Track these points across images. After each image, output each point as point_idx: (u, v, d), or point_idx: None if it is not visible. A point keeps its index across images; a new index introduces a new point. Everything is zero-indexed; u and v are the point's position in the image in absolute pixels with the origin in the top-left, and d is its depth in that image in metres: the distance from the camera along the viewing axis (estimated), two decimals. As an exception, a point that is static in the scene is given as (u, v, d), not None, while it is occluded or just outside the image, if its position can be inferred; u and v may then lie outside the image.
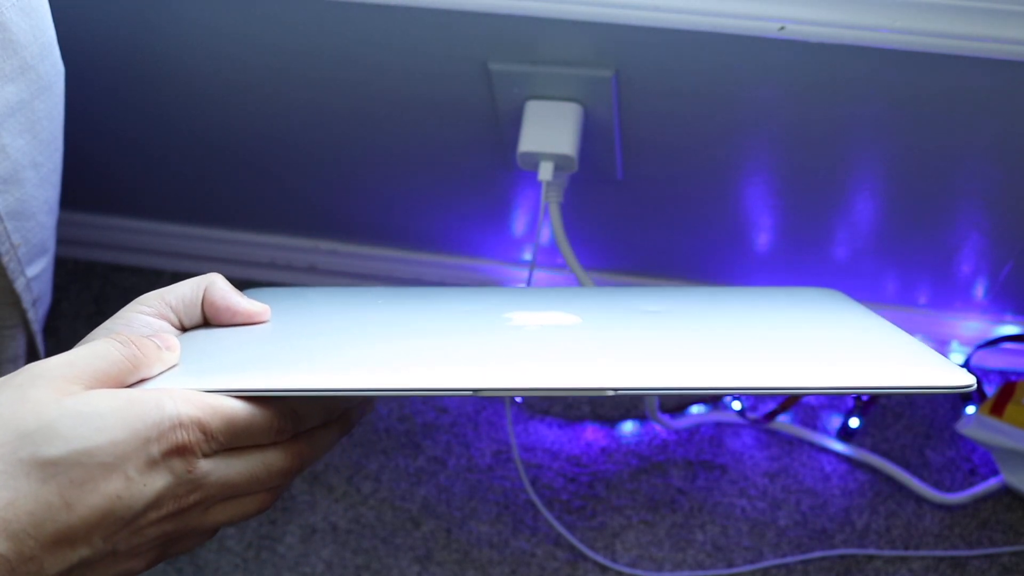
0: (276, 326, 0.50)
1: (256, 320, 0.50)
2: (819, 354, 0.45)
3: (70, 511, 0.38)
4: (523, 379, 0.42)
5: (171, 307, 0.49)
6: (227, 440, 0.42)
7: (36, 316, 0.81)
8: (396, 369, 0.43)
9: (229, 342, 0.48)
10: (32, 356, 0.83)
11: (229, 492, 0.43)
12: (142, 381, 0.43)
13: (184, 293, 0.49)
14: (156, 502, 0.40)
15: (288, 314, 0.52)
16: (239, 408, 0.42)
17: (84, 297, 1.14)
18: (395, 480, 1.01)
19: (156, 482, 0.40)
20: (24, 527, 0.37)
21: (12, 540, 0.37)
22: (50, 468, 0.37)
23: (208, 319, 0.50)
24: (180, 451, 0.40)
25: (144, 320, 0.47)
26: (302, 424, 0.46)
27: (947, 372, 0.41)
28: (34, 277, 0.78)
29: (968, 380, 0.40)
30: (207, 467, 0.42)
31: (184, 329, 0.50)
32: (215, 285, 0.50)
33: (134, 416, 0.39)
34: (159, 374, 0.44)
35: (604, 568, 0.96)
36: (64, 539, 0.38)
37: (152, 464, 0.40)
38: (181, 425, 0.40)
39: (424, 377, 0.42)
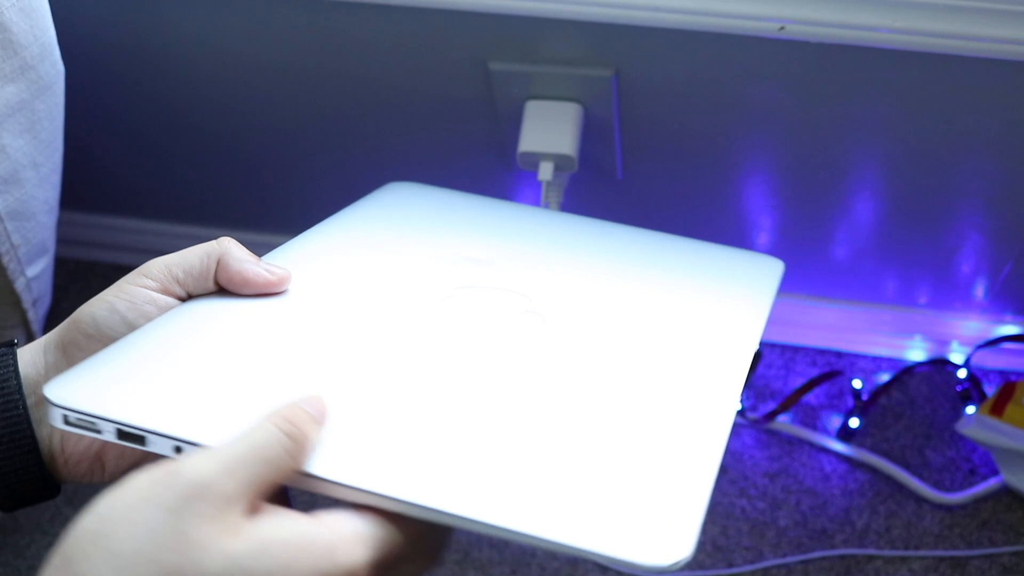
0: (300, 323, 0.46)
1: (274, 290, 0.48)
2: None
3: None
4: None
5: (177, 280, 0.45)
6: (395, 562, 0.38)
7: (36, 316, 0.81)
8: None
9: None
10: (32, 356, 0.83)
11: None
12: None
13: (192, 264, 0.46)
14: None
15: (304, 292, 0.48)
16: (410, 537, 0.38)
17: (84, 297, 1.14)
18: (395, 480, 1.01)
19: None
20: None
21: None
22: None
23: (222, 288, 0.47)
24: None
25: (148, 295, 0.45)
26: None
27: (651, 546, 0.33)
28: (34, 277, 0.78)
29: (673, 559, 0.32)
30: None
31: (189, 300, 0.46)
32: (229, 254, 0.47)
33: (304, 569, 0.35)
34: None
35: (604, 568, 0.95)
36: None
37: None
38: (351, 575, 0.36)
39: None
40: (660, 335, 0.51)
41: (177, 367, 0.42)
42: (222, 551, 0.34)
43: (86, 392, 0.39)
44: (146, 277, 0.45)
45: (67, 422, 0.38)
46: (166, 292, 0.46)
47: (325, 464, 0.38)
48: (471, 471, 0.38)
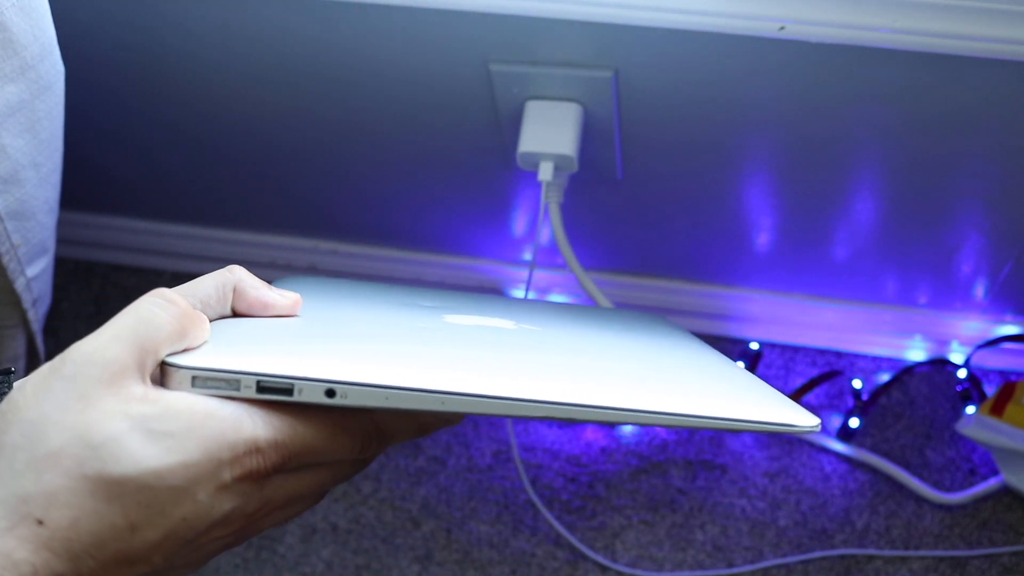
0: (312, 319, 0.48)
1: (291, 313, 0.48)
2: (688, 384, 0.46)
3: (134, 533, 0.36)
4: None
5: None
6: (304, 460, 0.40)
7: (36, 316, 0.81)
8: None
9: (290, 331, 0.45)
10: (32, 356, 0.83)
11: (294, 499, 0.41)
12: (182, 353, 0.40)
13: (208, 293, 0.45)
14: (222, 521, 0.38)
15: (315, 306, 0.51)
16: (322, 429, 0.40)
17: (84, 297, 1.14)
18: (395, 480, 1.01)
19: (224, 505, 0.38)
20: (86, 547, 0.35)
21: (73, 560, 0.35)
22: (116, 488, 0.35)
23: (237, 314, 0.47)
24: (253, 476, 0.38)
25: None
26: (387, 443, 0.43)
27: (795, 413, 0.42)
28: (34, 277, 0.78)
29: (814, 421, 0.42)
30: (278, 482, 0.40)
31: None
32: (244, 281, 0.47)
33: (209, 436, 0.37)
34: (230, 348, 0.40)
35: (604, 568, 0.96)
36: (124, 559, 0.36)
37: (223, 488, 0.37)
38: (258, 450, 0.38)
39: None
40: (639, 336, 0.57)
41: (288, 333, 0.44)
42: (125, 413, 0.36)
43: (215, 352, 0.40)
44: None
45: (194, 384, 0.39)
46: None
47: (509, 384, 0.40)
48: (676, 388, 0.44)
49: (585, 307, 0.72)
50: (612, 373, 0.45)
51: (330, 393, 0.39)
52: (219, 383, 0.39)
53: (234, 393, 0.39)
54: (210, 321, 0.46)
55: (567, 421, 0.40)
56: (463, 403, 0.39)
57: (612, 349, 0.52)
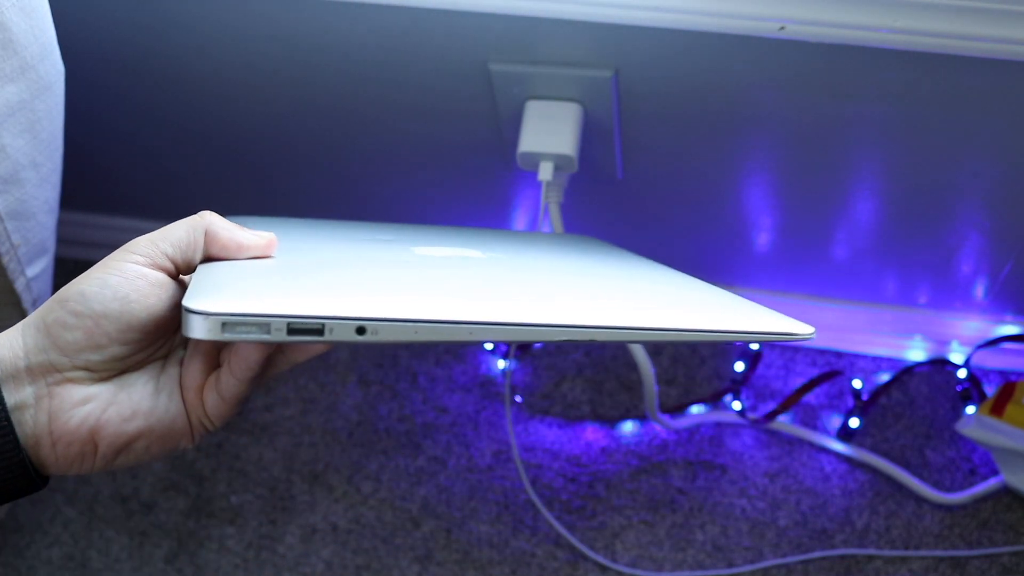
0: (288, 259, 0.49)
1: (267, 253, 0.48)
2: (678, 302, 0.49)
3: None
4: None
5: (166, 255, 0.46)
6: None
7: (36, 316, 0.81)
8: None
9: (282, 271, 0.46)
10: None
11: None
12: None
13: (180, 238, 0.47)
14: None
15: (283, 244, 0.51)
16: None
17: (84, 297, 1.14)
18: (395, 480, 1.01)
19: None
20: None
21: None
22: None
23: (212, 258, 0.47)
24: None
25: (138, 270, 0.45)
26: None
27: (790, 323, 0.45)
28: (34, 277, 0.78)
29: (810, 329, 0.44)
30: None
31: (178, 275, 0.47)
32: (215, 224, 0.47)
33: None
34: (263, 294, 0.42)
35: (604, 568, 0.96)
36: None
37: None
38: None
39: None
40: (603, 258, 0.61)
41: (288, 273, 0.46)
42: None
43: (241, 298, 0.41)
44: (134, 253, 0.46)
45: (224, 329, 0.39)
46: (155, 267, 0.46)
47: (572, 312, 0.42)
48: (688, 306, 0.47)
49: (519, 232, 0.74)
50: (619, 296, 0.47)
51: (360, 331, 0.40)
52: (250, 328, 0.39)
53: (264, 337, 0.39)
54: (180, 271, 0.47)
55: (585, 343, 0.43)
56: (491, 332, 0.41)
57: (596, 273, 0.55)
